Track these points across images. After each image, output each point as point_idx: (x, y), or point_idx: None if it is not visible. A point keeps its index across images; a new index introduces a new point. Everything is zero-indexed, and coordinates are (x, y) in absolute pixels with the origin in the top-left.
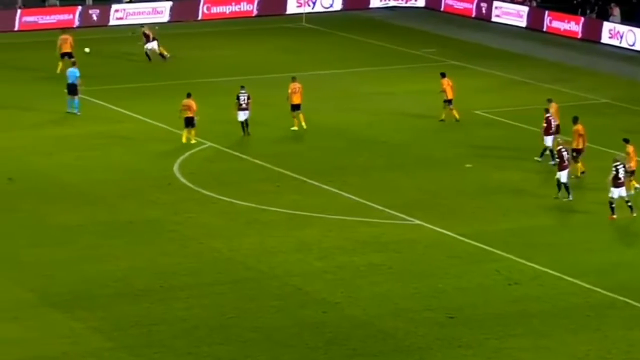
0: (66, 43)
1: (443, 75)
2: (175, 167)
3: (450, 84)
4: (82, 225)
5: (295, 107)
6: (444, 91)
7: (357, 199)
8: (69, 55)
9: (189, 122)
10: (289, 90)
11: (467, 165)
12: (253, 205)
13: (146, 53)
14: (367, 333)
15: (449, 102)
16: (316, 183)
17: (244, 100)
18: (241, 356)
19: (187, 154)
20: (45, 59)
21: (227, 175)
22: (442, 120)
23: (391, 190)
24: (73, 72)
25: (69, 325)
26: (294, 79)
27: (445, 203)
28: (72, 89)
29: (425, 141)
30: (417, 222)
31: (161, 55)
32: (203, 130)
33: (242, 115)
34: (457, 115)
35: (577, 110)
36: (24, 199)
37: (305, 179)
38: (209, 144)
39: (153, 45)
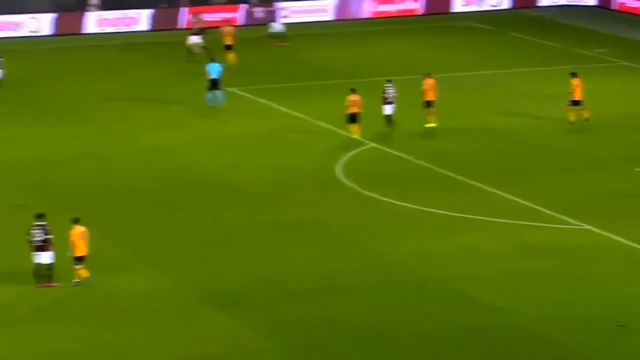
0: (229, 36)
1: (574, 75)
2: (338, 167)
3: (580, 84)
4: (246, 224)
5: (429, 104)
6: (572, 92)
7: (521, 201)
8: (230, 47)
9: (355, 118)
10: (424, 87)
11: (637, 169)
12: (415, 206)
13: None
14: (531, 340)
15: (576, 103)
16: (478, 184)
17: (391, 94)
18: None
19: (349, 154)
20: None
21: (389, 176)
22: (586, 119)
23: (556, 193)
24: (215, 67)
25: (230, 324)
26: (428, 75)
27: (614, 207)
28: (214, 84)
29: (587, 143)
30: (587, 227)
31: (196, 50)
32: (365, 130)
33: (388, 109)
34: (586, 115)
35: None
36: (191, 198)
37: (467, 180)
38: (372, 144)
39: (195, 39)
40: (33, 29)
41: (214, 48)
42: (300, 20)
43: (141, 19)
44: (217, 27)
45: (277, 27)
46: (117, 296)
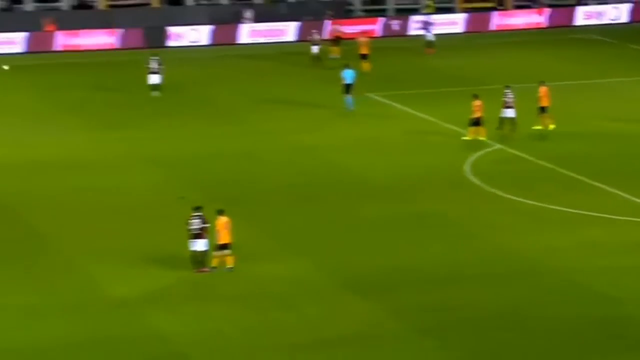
0: (364, 45)
1: None
2: (466, 167)
3: None
4: (381, 217)
5: (543, 110)
6: None
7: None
8: (364, 56)
9: (478, 122)
10: (539, 94)
11: None
12: (538, 203)
13: (314, 57)
14: None
15: None
16: (599, 184)
17: (510, 98)
18: (525, 342)
19: (476, 154)
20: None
21: (513, 175)
22: None
23: None
24: (349, 73)
25: (366, 308)
26: (542, 83)
27: None
28: (348, 89)
29: None
30: None
31: (319, 58)
32: (493, 132)
33: (508, 112)
34: None
35: None
36: (331, 193)
37: (588, 180)
38: (497, 145)
39: (315, 49)
40: (193, 39)
41: (350, 57)
42: (435, 32)
43: (289, 31)
44: (353, 38)
45: (429, 36)
46: (265, 281)
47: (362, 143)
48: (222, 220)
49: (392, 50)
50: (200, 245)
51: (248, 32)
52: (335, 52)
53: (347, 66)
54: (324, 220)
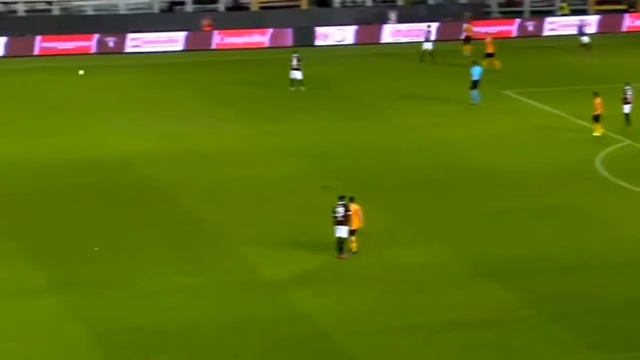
0: (489, 44)
1: None
2: (597, 161)
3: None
4: (513, 209)
5: (596, 118)
6: None
7: None
8: (490, 55)
9: (597, 118)
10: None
11: None
12: None
13: (426, 53)
14: None
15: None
16: None
17: (629, 95)
18: None
19: (607, 149)
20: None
21: None
22: None
23: None
24: (477, 70)
25: (498, 294)
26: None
27: None
28: (475, 84)
29: None
30: None
31: (430, 54)
32: (623, 129)
33: (626, 108)
34: None
35: None
36: (465, 185)
37: None
38: (628, 141)
39: (429, 46)
40: (339, 39)
41: (478, 55)
42: (566, 33)
43: (431, 31)
44: (482, 38)
45: (585, 39)
46: (403, 266)
47: (495, 137)
48: (353, 207)
49: (527, 50)
50: (342, 231)
51: (390, 32)
52: (467, 50)
53: (475, 63)
54: (458, 210)
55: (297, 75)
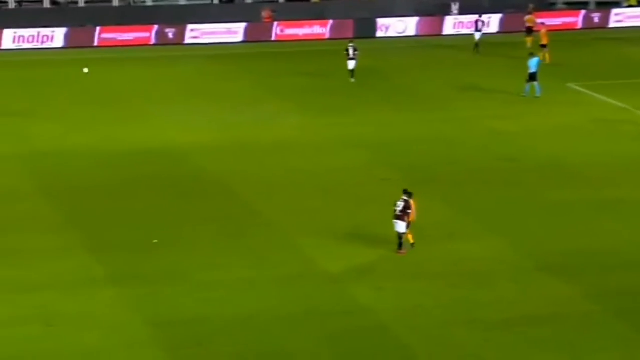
0: (544, 36)
1: None
2: None
3: None
4: (575, 202)
5: None
6: None
7: None
8: (544, 46)
9: None
10: None
11: None
12: None
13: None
14: None
15: None
16: None
17: None
18: None
19: None
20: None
21: None
22: None
23: None
24: (534, 62)
25: (560, 289)
26: None
27: None
28: (532, 77)
29: None
30: None
31: (477, 45)
32: None
33: None
34: None
35: None
36: (529, 178)
37: None
38: None
39: (478, 36)
40: (400, 30)
41: (534, 47)
42: (632, 25)
43: (491, 22)
44: (538, 30)
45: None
46: (463, 259)
47: (557, 130)
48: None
49: (592, 42)
50: (399, 226)
51: (453, 24)
52: (529, 42)
53: (532, 55)
54: (520, 202)
55: (351, 65)
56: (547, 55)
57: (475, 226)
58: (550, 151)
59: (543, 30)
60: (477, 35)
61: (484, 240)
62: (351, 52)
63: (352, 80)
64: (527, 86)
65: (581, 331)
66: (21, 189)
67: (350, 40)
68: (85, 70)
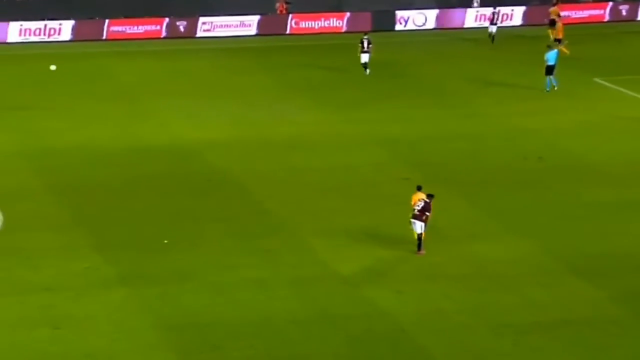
0: (560, 30)
1: None
2: None
3: None
4: (606, 202)
5: None
6: None
7: None
8: (559, 41)
9: None
10: None
11: None
12: None
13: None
14: None
15: None
16: None
17: None
18: None
19: None
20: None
21: None
22: None
23: None
24: (552, 55)
25: (591, 293)
26: None
27: None
28: (549, 70)
29: None
30: None
31: (491, 37)
32: None
33: None
34: None
35: None
36: (555, 177)
37: None
38: None
39: (493, 29)
40: (420, 23)
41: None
42: None
43: (514, 15)
44: (554, 23)
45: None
46: (486, 262)
47: (586, 127)
48: (419, 195)
49: (619, 35)
50: (416, 227)
51: (474, 17)
52: (553, 34)
53: (549, 48)
54: (546, 202)
55: (365, 58)
56: (564, 49)
57: (499, 227)
58: (576, 149)
59: (560, 24)
60: (492, 29)
61: (508, 242)
62: (365, 44)
63: (367, 72)
64: (548, 80)
65: (612, 336)
66: (27, 186)
67: (365, 32)
68: (53, 67)
